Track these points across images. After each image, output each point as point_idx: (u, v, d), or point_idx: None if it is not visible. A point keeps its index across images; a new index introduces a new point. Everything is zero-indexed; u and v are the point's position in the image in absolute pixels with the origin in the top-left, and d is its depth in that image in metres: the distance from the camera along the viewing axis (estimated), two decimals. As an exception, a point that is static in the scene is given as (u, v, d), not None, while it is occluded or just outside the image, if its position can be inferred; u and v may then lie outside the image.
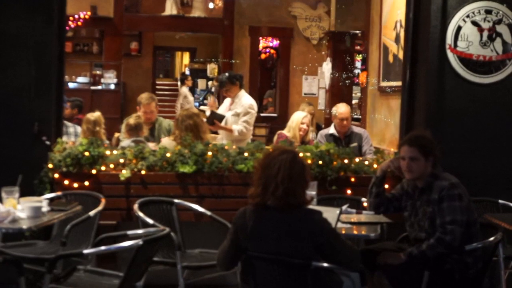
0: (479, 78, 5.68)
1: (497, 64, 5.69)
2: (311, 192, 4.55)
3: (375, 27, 8.20)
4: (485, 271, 4.41)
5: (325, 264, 3.64)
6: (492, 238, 4.35)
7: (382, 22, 7.88)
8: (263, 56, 14.50)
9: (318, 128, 8.94)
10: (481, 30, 5.69)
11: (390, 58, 7.59)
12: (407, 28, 6.05)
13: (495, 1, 5.70)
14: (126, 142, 6.33)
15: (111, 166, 5.54)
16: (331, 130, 7.23)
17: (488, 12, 5.70)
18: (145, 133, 6.70)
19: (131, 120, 6.60)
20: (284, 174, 3.60)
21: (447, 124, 5.69)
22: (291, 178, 3.60)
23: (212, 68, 17.66)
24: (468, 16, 5.68)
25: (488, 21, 5.70)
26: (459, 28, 5.66)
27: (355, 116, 9.01)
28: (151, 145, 6.13)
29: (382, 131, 7.68)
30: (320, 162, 5.63)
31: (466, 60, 5.66)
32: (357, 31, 10.42)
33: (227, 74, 7.76)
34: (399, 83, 6.51)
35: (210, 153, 5.62)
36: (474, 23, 5.69)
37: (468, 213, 4.31)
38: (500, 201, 5.57)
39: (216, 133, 7.60)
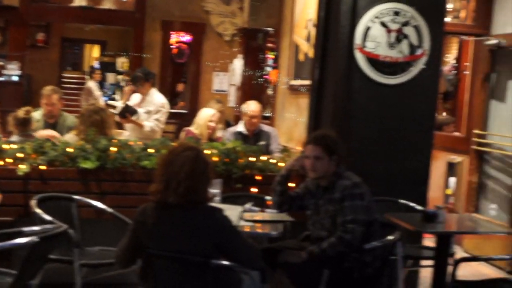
0: (386, 79, 5.82)
1: (403, 66, 5.84)
2: (215, 190, 4.59)
3: (287, 25, 8.30)
4: (383, 269, 4.55)
5: (225, 262, 3.67)
6: (390, 237, 4.49)
7: (294, 20, 7.98)
8: (174, 51, 14.41)
9: (228, 125, 8.97)
10: (389, 31, 5.83)
11: (301, 57, 7.69)
12: (317, 27, 6.13)
13: (404, 3, 5.84)
14: (14, 137, 6.15)
15: (9, 160, 5.40)
16: (240, 127, 7.28)
17: (396, 13, 5.84)
18: (34, 126, 6.50)
19: (20, 113, 6.39)
20: (187, 171, 3.61)
21: (353, 124, 5.80)
22: (193, 175, 3.62)
23: (122, 62, 17.42)
24: (377, 17, 5.81)
25: (396, 23, 5.84)
26: (367, 29, 5.79)
27: (265, 114, 9.09)
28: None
29: (291, 129, 7.78)
30: (226, 159, 5.66)
31: (374, 61, 5.78)
32: (270, 29, 10.50)
33: (142, 70, 7.82)
34: (309, 82, 6.60)
35: (113, 148, 5.56)
36: (383, 24, 5.83)
37: (369, 212, 4.44)
38: (401, 201, 5.75)
39: (122, 128, 7.54)
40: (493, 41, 7.38)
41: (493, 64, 7.56)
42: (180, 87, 14.61)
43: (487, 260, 6.57)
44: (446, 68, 11.08)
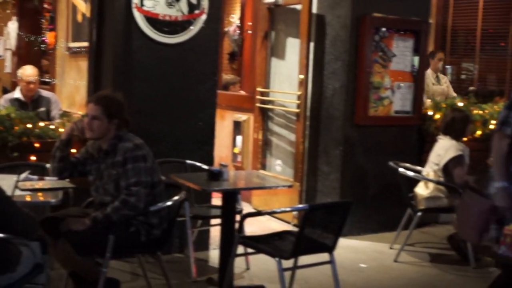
0: (166, 38, 5.82)
1: (183, 24, 5.87)
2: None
3: (63, -16, 8.06)
4: (171, 231, 4.61)
5: (0, 235, 3.52)
6: (176, 198, 4.54)
7: (70, -21, 7.76)
8: None
9: (5, 92, 8.58)
10: (167, -10, 5.82)
11: (79, 18, 7.52)
12: (92, -14, 6.00)
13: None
14: None
15: None
16: (16, 94, 7.00)
17: (172, -28, 5.84)
18: None
19: None
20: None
21: (134, 84, 5.75)
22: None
23: None
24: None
25: (173, -19, 5.84)
26: (145, -13, 5.74)
27: (45, 80, 8.78)
28: None
29: (73, 94, 7.61)
30: (0, 127, 5.41)
31: (153, 20, 5.75)
32: (46, -11, 10.13)
33: None
34: (88, 44, 6.45)
35: None
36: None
37: (152, 174, 4.46)
38: (188, 161, 5.84)
39: None
40: (270, 0, 7.63)
41: (272, 22, 7.82)
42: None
43: (270, 213, 6.85)
44: (231, 29, 11.33)
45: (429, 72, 8.92)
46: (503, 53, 10.27)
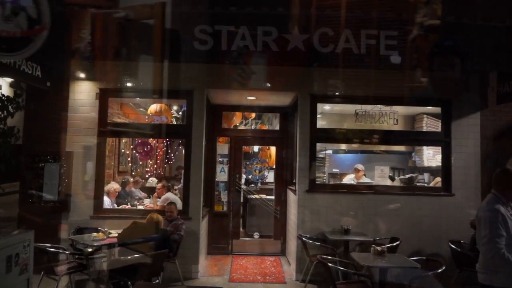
0: (3, 56, 5.74)
1: (23, 41, 5.80)
2: None
3: None
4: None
5: None
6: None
7: None
8: None
9: None
10: (3, 3, 5.74)
11: None
12: None
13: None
14: None
15: None
16: None
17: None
18: None
19: None
20: None
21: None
22: None
23: None
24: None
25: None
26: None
27: None
28: None
29: None
30: None
31: (-12, 36, 5.67)
32: None
33: None
34: None
35: None
36: (-2, -4, 5.72)
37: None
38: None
39: None
40: (121, 14, 7.63)
41: (123, 38, 7.81)
42: None
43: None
44: (82, 45, 11.18)
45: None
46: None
